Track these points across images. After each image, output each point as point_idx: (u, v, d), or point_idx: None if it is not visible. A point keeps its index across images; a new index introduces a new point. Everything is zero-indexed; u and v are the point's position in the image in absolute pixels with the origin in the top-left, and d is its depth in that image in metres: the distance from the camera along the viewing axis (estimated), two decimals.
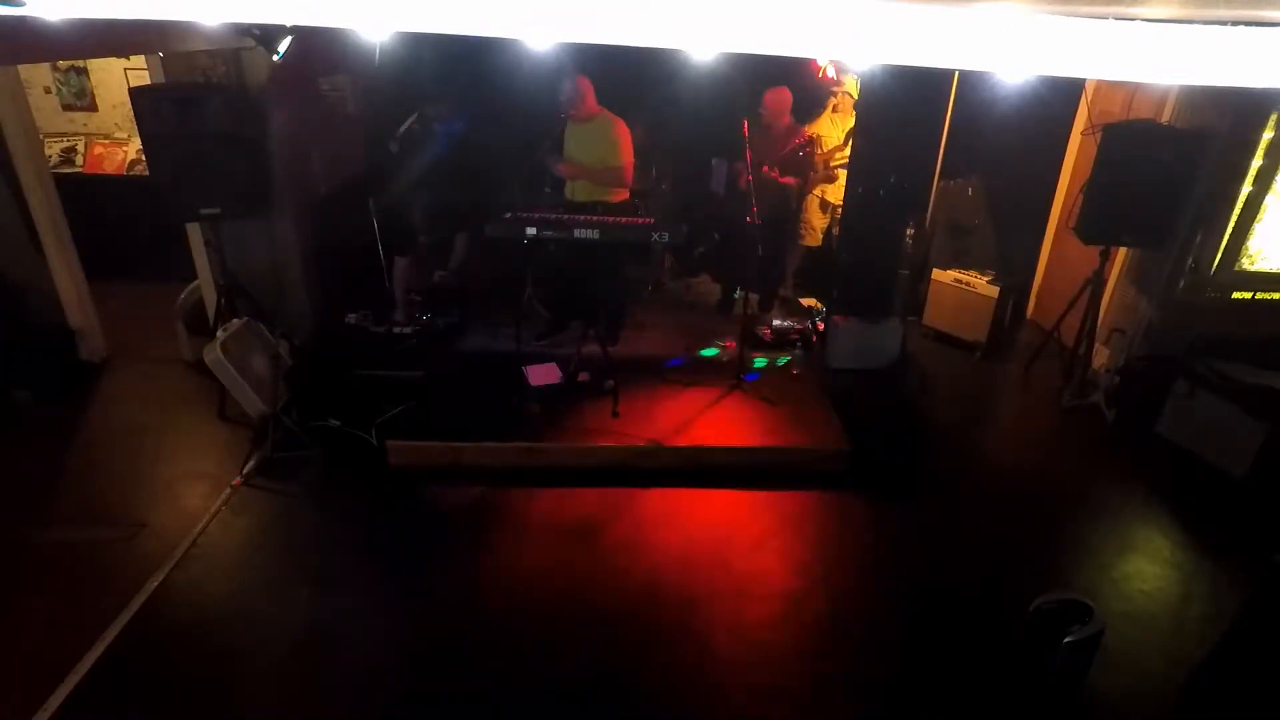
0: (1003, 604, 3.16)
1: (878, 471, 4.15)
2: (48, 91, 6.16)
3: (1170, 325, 4.72)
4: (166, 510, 3.68)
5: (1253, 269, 4.71)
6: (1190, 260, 4.66)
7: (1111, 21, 1.21)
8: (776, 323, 5.43)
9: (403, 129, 4.76)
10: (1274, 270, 4.72)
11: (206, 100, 4.11)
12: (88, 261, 4.84)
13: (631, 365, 4.76)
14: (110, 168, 6.13)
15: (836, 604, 3.28)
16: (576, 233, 4.24)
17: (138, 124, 4.07)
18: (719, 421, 4.32)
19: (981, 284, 5.46)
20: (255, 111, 4.40)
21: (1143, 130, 4.57)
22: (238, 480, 3.86)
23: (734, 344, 4.92)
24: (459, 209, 5.22)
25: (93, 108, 6.24)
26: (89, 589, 3.18)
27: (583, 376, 4.57)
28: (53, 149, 6.06)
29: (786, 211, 5.44)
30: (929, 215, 5.90)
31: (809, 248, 5.80)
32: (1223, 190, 4.46)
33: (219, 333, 4.28)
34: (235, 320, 4.40)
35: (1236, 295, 4.77)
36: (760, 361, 4.99)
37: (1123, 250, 5.04)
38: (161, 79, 4.48)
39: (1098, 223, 4.55)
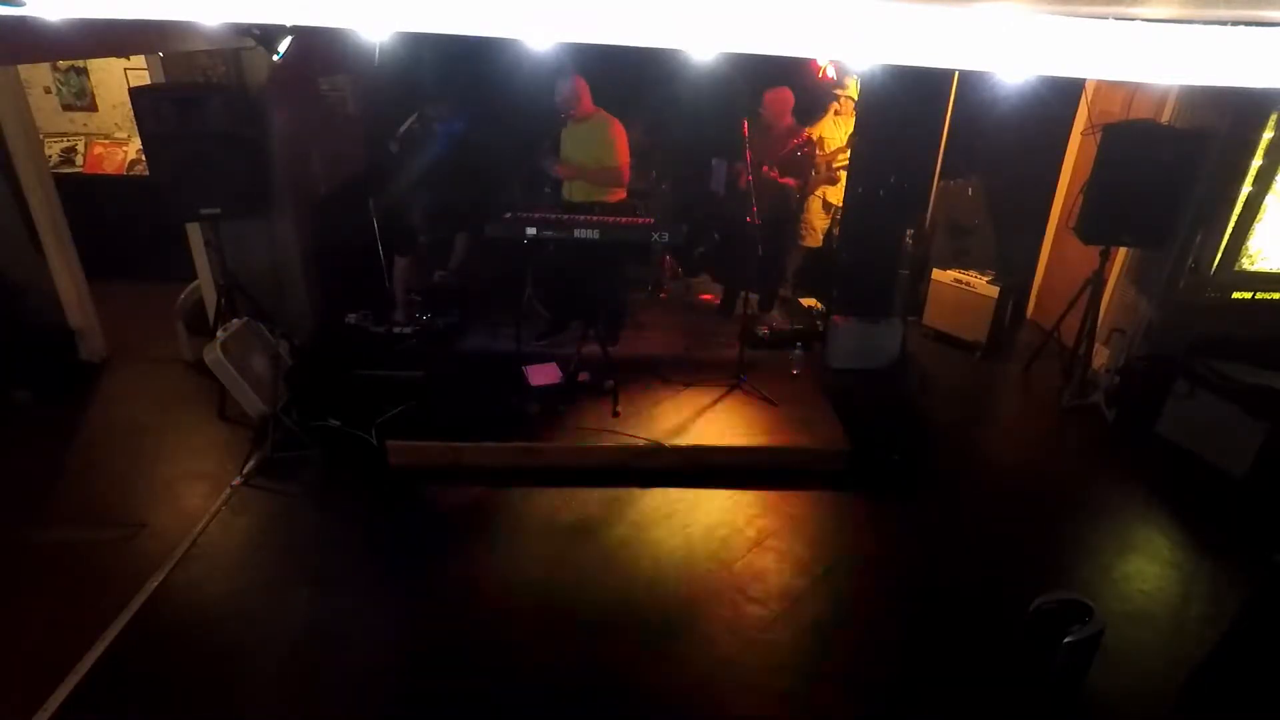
0: (1003, 604, 3.15)
1: (878, 471, 4.16)
2: (48, 91, 6.16)
3: (1170, 325, 4.72)
4: (166, 510, 3.68)
5: (1253, 269, 4.71)
6: (1190, 260, 4.66)
7: (1111, 21, 1.21)
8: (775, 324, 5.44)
9: (403, 129, 4.76)
10: (1274, 270, 4.72)
11: (206, 100, 4.10)
12: (88, 261, 4.84)
13: (631, 365, 4.76)
14: (110, 168, 6.13)
15: (836, 604, 3.28)
16: (576, 233, 4.24)
17: (138, 124, 4.07)
18: (719, 421, 4.32)
19: (981, 284, 5.46)
20: (255, 111, 4.40)
21: (1143, 130, 4.57)
22: (238, 480, 3.86)
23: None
24: (459, 209, 5.22)
25: (93, 108, 6.24)
26: (89, 589, 3.18)
27: (583, 376, 4.57)
28: (53, 149, 6.06)
29: (786, 212, 5.44)
30: (929, 215, 5.91)
31: (809, 248, 5.80)
32: (1223, 190, 4.46)
33: (219, 333, 4.28)
34: (235, 320, 4.40)
35: (1236, 295, 4.77)
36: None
37: (1123, 250, 5.04)
38: (161, 79, 4.48)
39: (1098, 223, 4.55)
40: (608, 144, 4.65)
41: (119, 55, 5.71)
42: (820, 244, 5.75)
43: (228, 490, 3.80)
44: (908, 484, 4.15)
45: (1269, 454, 3.99)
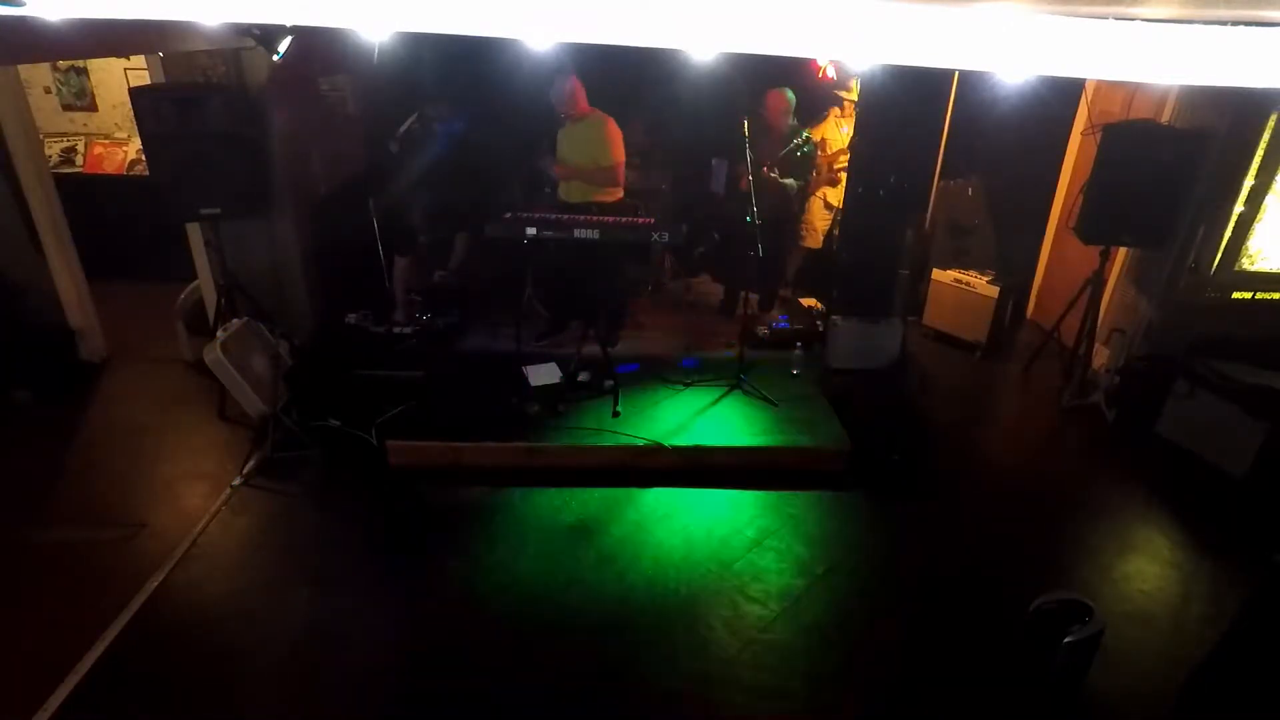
0: (1003, 604, 3.15)
1: (878, 471, 4.16)
2: (48, 91, 6.16)
3: (1170, 325, 4.72)
4: (166, 510, 3.68)
5: (1253, 269, 4.71)
6: (1190, 260, 4.66)
7: (1111, 21, 1.21)
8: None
9: (403, 129, 4.76)
10: (1274, 270, 4.72)
11: (206, 100, 4.10)
12: (88, 261, 4.84)
13: (631, 365, 4.76)
14: (110, 168, 6.14)
15: (836, 604, 3.28)
16: (576, 233, 4.24)
17: (138, 124, 4.07)
18: (719, 421, 4.32)
19: (981, 284, 5.46)
20: (255, 111, 4.40)
21: (1143, 130, 4.57)
22: (238, 480, 3.86)
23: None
24: (459, 209, 5.22)
25: (93, 108, 6.24)
26: (89, 589, 3.18)
27: (583, 376, 4.57)
28: (53, 149, 6.06)
29: (787, 212, 5.44)
30: (929, 215, 5.91)
31: (809, 249, 5.80)
32: (1223, 190, 4.46)
33: (219, 333, 4.28)
34: (235, 320, 4.40)
35: (1236, 295, 4.77)
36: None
37: (1123, 250, 5.04)
38: (161, 79, 4.48)
39: (1098, 223, 4.55)
40: (603, 143, 4.65)
41: (119, 55, 5.71)
42: (820, 245, 5.74)
43: (228, 490, 3.80)
44: (908, 484, 4.14)
45: (1269, 454, 3.99)
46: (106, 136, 6.25)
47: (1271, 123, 4.29)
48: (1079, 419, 4.84)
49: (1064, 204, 5.73)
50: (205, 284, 4.85)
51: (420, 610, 3.19)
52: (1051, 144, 5.71)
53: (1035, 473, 4.38)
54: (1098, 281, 4.80)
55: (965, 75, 4.96)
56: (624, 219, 4.45)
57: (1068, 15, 1.22)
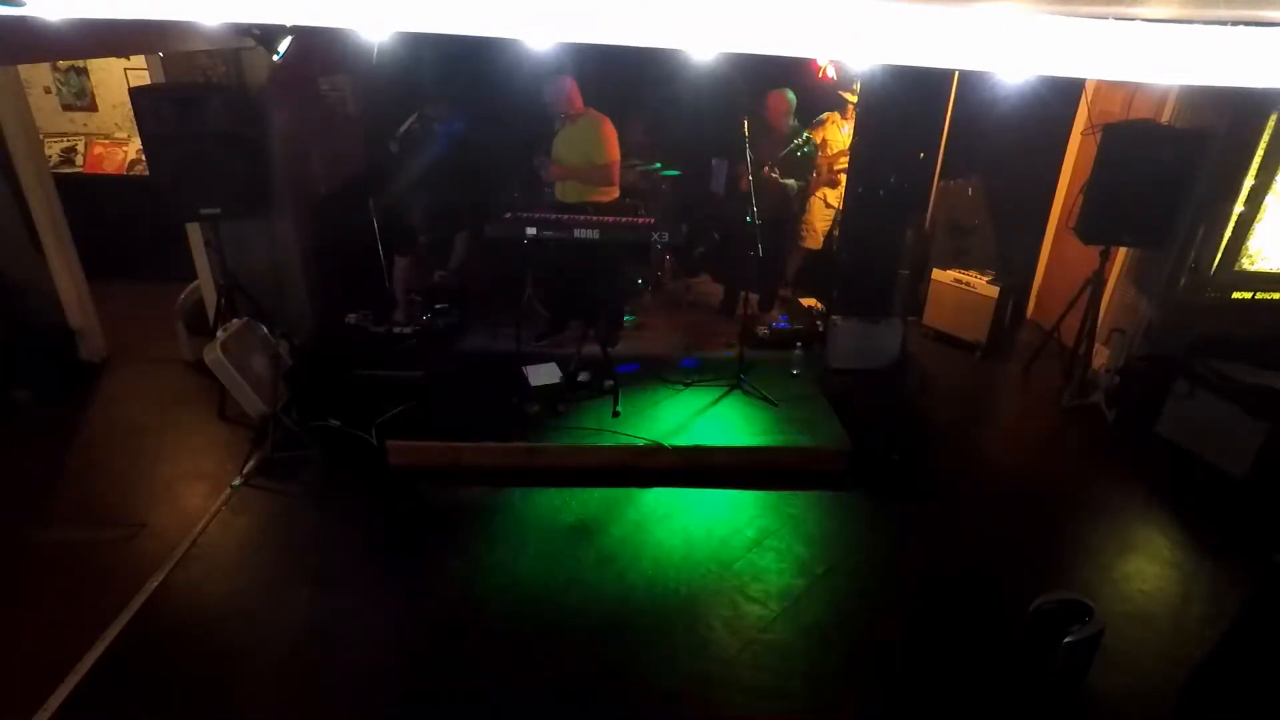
0: (1003, 604, 3.15)
1: (878, 471, 4.16)
2: (48, 91, 6.16)
3: (1170, 325, 4.72)
4: (166, 510, 3.68)
5: (1253, 269, 4.71)
6: (1190, 260, 4.66)
7: (1111, 21, 1.21)
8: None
9: (403, 129, 4.76)
10: (1274, 270, 4.72)
11: (206, 100, 4.11)
12: (88, 261, 4.84)
13: (631, 365, 4.76)
14: (110, 168, 6.14)
15: (836, 604, 3.28)
16: (576, 233, 4.24)
17: (138, 124, 4.08)
18: (719, 421, 4.32)
19: (981, 284, 5.46)
20: (255, 111, 4.40)
21: (1143, 130, 4.57)
22: (238, 480, 3.86)
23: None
24: (459, 209, 5.22)
25: (93, 108, 6.24)
26: (89, 589, 3.18)
27: (583, 376, 4.57)
28: (53, 149, 6.06)
29: (787, 212, 5.44)
30: (929, 215, 5.91)
31: (809, 249, 5.80)
32: (1223, 190, 4.46)
33: (219, 333, 4.28)
34: (235, 320, 4.40)
35: (1236, 295, 4.77)
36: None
37: (1123, 250, 5.04)
38: (161, 79, 4.48)
39: (1098, 223, 4.55)
40: (598, 142, 4.65)
41: (119, 55, 5.71)
42: (820, 245, 5.74)
43: (228, 490, 3.80)
44: (908, 484, 4.14)
45: (1269, 454, 3.99)
46: (106, 136, 6.25)
47: (1271, 123, 4.29)
48: (1079, 419, 4.84)
49: (1064, 204, 5.73)
50: (205, 284, 4.85)
51: (420, 610, 3.18)
52: (1051, 144, 5.71)
53: (1035, 473, 4.38)
54: (1098, 281, 4.80)
55: (965, 75, 4.96)
56: (624, 219, 4.45)
57: (1068, 15, 1.22)
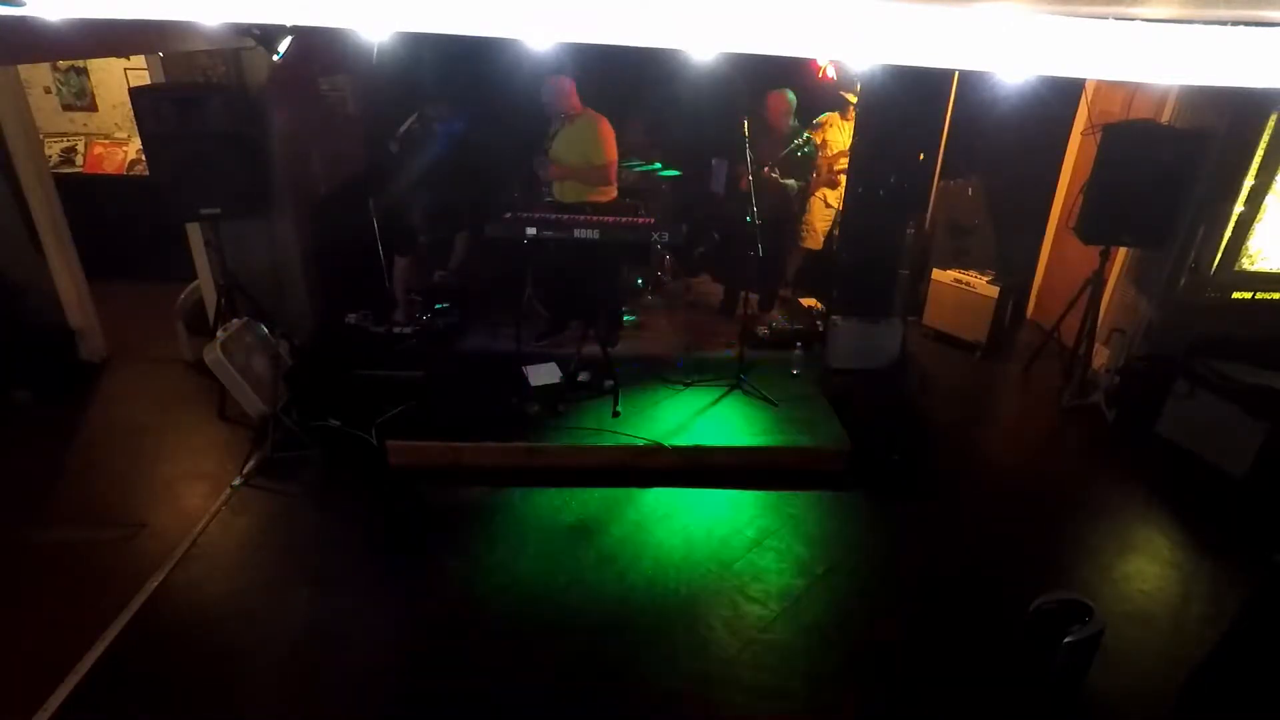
0: (1003, 604, 3.16)
1: (878, 471, 4.16)
2: (48, 91, 6.16)
3: (1170, 325, 4.72)
4: (166, 510, 3.68)
5: (1253, 269, 4.71)
6: (1190, 260, 4.66)
7: (1111, 21, 1.21)
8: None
9: (403, 129, 4.76)
10: (1274, 270, 4.72)
11: (206, 100, 4.11)
12: (88, 261, 4.84)
13: (631, 365, 4.76)
14: (110, 168, 6.14)
15: (836, 604, 3.28)
16: (576, 233, 4.24)
17: (138, 124, 4.08)
18: (719, 421, 4.32)
19: (981, 284, 5.46)
20: (255, 111, 4.41)
21: (1143, 130, 4.57)
22: (238, 480, 3.86)
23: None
24: (459, 209, 5.22)
25: (93, 108, 6.24)
26: (89, 589, 3.18)
27: (583, 376, 4.57)
28: (53, 149, 6.06)
29: (787, 212, 5.44)
30: (929, 215, 5.91)
31: (809, 249, 5.80)
32: (1223, 190, 4.46)
33: (219, 333, 4.28)
34: (235, 320, 4.40)
35: (1236, 295, 4.77)
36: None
37: (1123, 250, 5.04)
38: (161, 79, 4.48)
39: (1098, 223, 4.55)
40: (596, 142, 4.65)
41: (119, 55, 5.71)
42: (820, 246, 5.74)
43: (228, 490, 3.80)
44: (908, 484, 4.15)
45: (1269, 454, 3.99)
46: (106, 136, 6.25)
47: (1271, 123, 4.29)
48: (1079, 419, 4.84)
49: (1064, 204, 5.73)
50: (205, 284, 4.85)
51: (420, 610, 3.18)
52: (1051, 144, 5.71)
53: (1035, 473, 4.38)
54: (1098, 281, 4.80)
55: (965, 75, 4.96)
56: (624, 219, 4.45)
57: (1068, 15, 1.22)
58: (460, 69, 4.70)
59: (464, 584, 3.32)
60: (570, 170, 4.75)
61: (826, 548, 3.61)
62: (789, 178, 5.24)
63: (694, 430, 4.21)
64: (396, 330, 5.17)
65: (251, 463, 3.99)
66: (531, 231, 4.21)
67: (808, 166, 5.34)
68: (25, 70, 5.11)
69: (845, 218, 5.31)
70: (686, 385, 4.66)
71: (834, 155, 5.49)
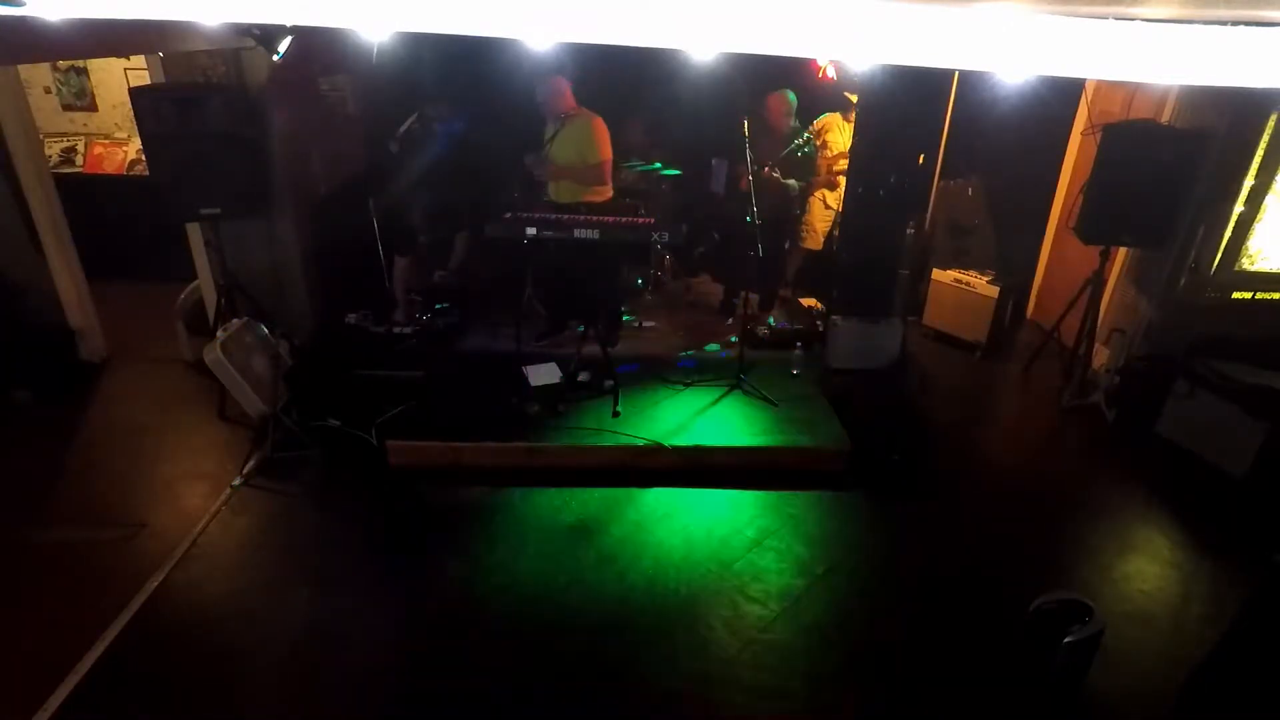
0: (1003, 604, 3.15)
1: (878, 471, 4.16)
2: (48, 91, 6.16)
3: (1170, 325, 4.72)
4: (166, 510, 3.68)
5: (1253, 269, 4.71)
6: (1190, 260, 4.66)
7: (1111, 21, 1.21)
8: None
9: (403, 129, 4.76)
10: (1274, 270, 4.72)
11: (206, 100, 4.11)
12: (88, 261, 4.84)
13: (631, 365, 4.76)
14: (110, 168, 6.14)
15: (836, 604, 3.28)
16: (576, 233, 4.24)
17: (138, 124, 4.07)
18: (719, 421, 4.32)
19: (981, 284, 5.46)
20: (255, 111, 4.40)
21: (1143, 130, 4.57)
22: (238, 480, 3.86)
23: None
24: (459, 209, 5.22)
25: (93, 108, 6.24)
26: (89, 589, 3.18)
27: (583, 376, 4.57)
28: (53, 149, 6.06)
29: (787, 212, 5.44)
30: (929, 215, 5.91)
31: (809, 249, 5.80)
32: (1223, 190, 4.46)
33: (219, 333, 4.28)
34: (235, 320, 4.40)
35: (1236, 295, 4.77)
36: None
37: (1123, 250, 5.04)
38: (161, 79, 4.48)
39: (1098, 223, 4.55)
40: (591, 142, 4.65)
41: (119, 55, 5.71)
42: (820, 246, 5.74)
43: (228, 490, 3.80)
44: (908, 484, 4.15)
45: (1269, 454, 3.99)
46: (106, 136, 6.25)
47: (1271, 123, 4.29)
48: (1079, 419, 4.84)
49: (1064, 204, 5.73)
50: (205, 284, 4.86)
51: (420, 610, 3.18)
52: (1051, 144, 5.72)
53: (1035, 473, 4.38)
54: (1098, 281, 4.80)
55: (965, 75, 4.96)
56: (624, 219, 4.45)
57: (1068, 15, 1.22)
58: (460, 69, 4.70)
59: (464, 584, 3.32)
60: (565, 170, 4.75)
61: (826, 548, 3.61)
62: (790, 178, 5.24)
63: (694, 430, 4.21)
64: (396, 330, 5.17)
65: (251, 463, 3.99)
66: (531, 231, 4.21)
67: (808, 166, 5.34)
68: (25, 70, 5.11)
69: (845, 218, 5.31)
70: (686, 385, 4.66)
71: (834, 156, 5.49)
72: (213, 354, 4.14)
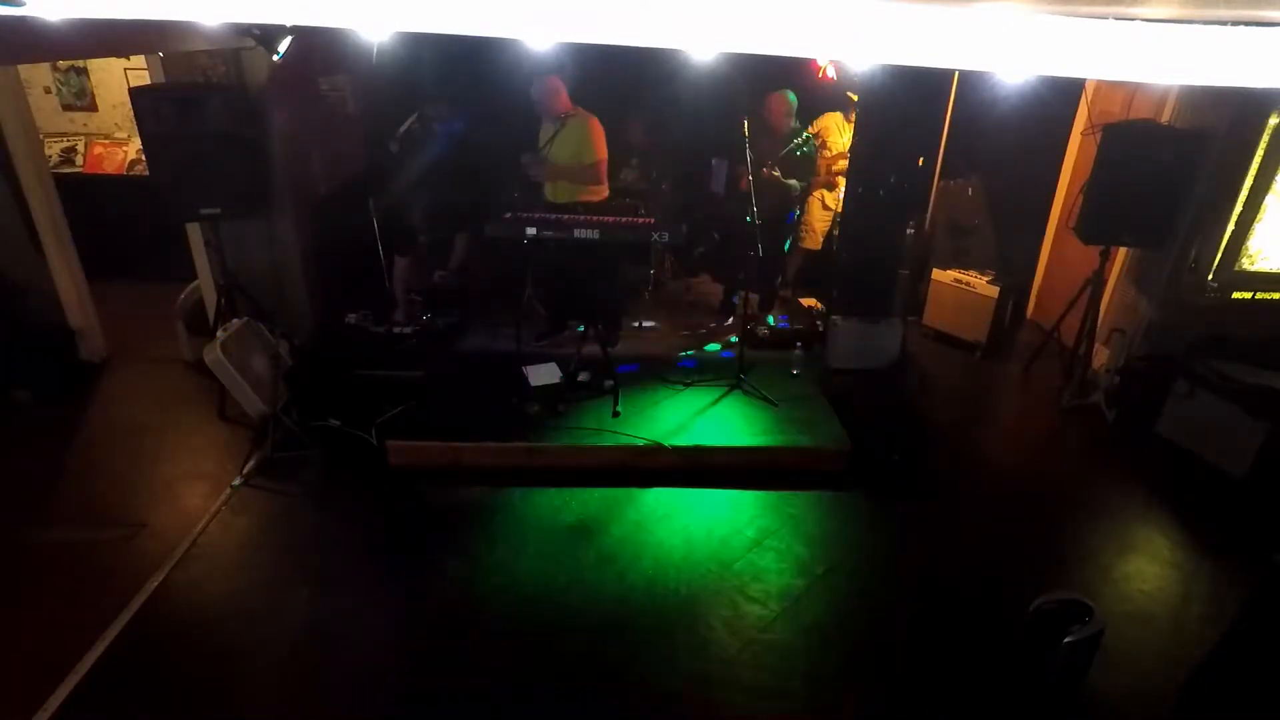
0: (1003, 604, 3.15)
1: (878, 471, 4.16)
2: (48, 91, 6.16)
3: (1170, 325, 4.72)
4: (166, 510, 3.68)
5: (1253, 269, 4.71)
6: (1190, 260, 4.66)
7: (1111, 21, 1.21)
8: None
9: (403, 129, 4.76)
10: (1274, 270, 4.72)
11: (206, 100, 4.11)
12: (88, 261, 4.84)
13: (631, 365, 4.76)
14: (110, 168, 6.14)
15: (836, 604, 3.28)
16: (576, 233, 4.24)
17: (138, 124, 4.07)
18: (719, 421, 4.32)
19: (981, 284, 5.46)
20: (255, 111, 4.40)
21: (1143, 130, 4.57)
22: (238, 480, 3.86)
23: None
24: (459, 209, 5.22)
25: (93, 108, 6.24)
26: (89, 589, 3.18)
27: (583, 376, 4.57)
28: (53, 149, 6.06)
29: (786, 211, 5.43)
30: (929, 215, 5.91)
31: (808, 249, 5.79)
32: (1223, 190, 4.46)
33: (219, 333, 4.28)
34: (235, 320, 4.40)
35: (1236, 295, 4.77)
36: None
37: (1123, 250, 5.04)
38: (161, 79, 4.48)
39: (1098, 223, 4.55)
40: (586, 141, 4.65)
41: (119, 55, 5.71)
42: (819, 246, 5.74)
43: (228, 490, 3.80)
44: (908, 484, 4.14)
45: (1269, 454, 3.99)
46: (106, 136, 6.25)
47: (1271, 123, 4.29)
48: (1079, 419, 4.84)
49: (1064, 204, 5.73)
50: (205, 284, 4.85)
51: (420, 610, 3.19)
52: (1051, 144, 5.71)
53: (1035, 473, 4.38)
54: (1098, 281, 4.80)
55: (965, 75, 4.96)
56: (624, 219, 4.45)
57: (1068, 15, 1.22)
58: (460, 69, 4.69)
59: (464, 584, 3.32)
60: (561, 170, 4.75)
61: (826, 548, 3.61)
62: (790, 178, 5.23)
63: (694, 430, 4.21)
64: (396, 330, 5.17)
65: (251, 463, 3.99)
66: (531, 231, 4.22)
67: (808, 166, 5.34)
68: (25, 70, 5.11)
69: (845, 218, 5.31)
70: (686, 385, 4.66)
71: (833, 156, 5.49)
72: (213, 354, 4.14)
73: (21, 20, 1.51)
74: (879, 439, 4.38)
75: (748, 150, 4.41)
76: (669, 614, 3.16)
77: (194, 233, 4.71)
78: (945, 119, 5.39)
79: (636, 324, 5.45)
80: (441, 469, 3.99)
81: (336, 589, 3.24)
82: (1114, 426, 4.70)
